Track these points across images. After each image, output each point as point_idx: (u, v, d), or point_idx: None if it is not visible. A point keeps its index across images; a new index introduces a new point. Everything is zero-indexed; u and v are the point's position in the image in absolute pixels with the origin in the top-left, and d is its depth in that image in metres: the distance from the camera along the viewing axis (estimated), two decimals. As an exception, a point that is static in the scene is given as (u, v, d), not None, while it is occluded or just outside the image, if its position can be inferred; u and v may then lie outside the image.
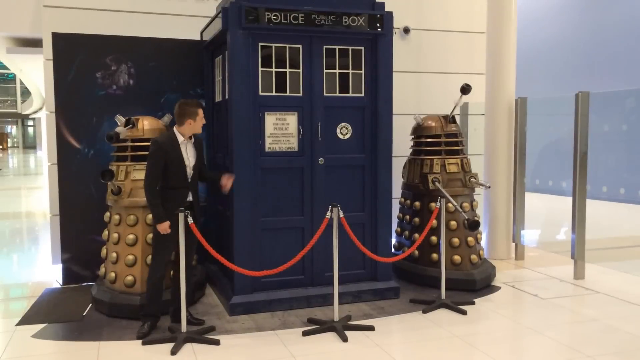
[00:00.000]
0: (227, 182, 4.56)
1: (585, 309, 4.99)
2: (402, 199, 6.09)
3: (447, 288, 5.22)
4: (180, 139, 4.39)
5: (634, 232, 9.01)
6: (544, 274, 6.10)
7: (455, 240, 5.60)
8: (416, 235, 5.65)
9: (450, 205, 5.41)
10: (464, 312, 4.82)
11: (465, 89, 5.64)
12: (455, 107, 5.81)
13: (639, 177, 11.20)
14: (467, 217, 5.32)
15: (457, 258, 5.56)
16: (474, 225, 5.17)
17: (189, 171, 4.43)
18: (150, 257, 4.83)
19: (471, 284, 5.45)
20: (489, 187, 5.82)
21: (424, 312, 4.87)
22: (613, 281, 5.80)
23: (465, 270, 5.54)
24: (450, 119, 5.86)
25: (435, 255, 5.58)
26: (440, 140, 5.79)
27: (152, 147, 4.31)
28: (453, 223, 5.59)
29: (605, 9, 13.76)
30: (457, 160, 5.74)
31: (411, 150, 6.10)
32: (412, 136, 6.08)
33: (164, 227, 4.25)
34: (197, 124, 4.40)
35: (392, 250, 6.09)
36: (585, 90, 5.88)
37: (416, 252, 5.71)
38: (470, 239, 5.62)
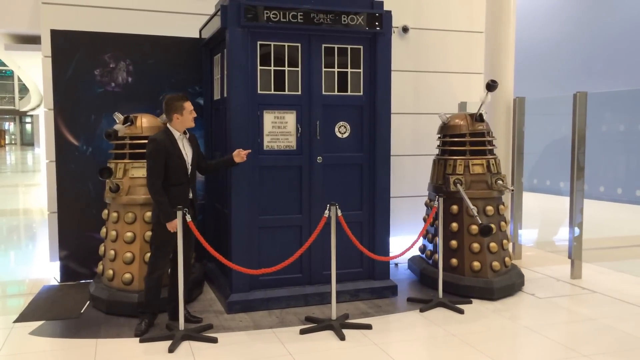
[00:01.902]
0: (240, 154, 4.59)
1: (582, 309, 5.01)
2: (428, 200, 5.88)
3: (465, 295, 5.16)
4: (176, 134, 4.39)
5: (631, 232, 9.03)
6: (541, 274, 6.12)
7: (476, 246, 5.30)
8: (437, 238, 5.46)
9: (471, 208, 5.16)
10: (461, 311, 4.83)
11: (491, 86, 5.29)
12: (481, 105, 5.52)
13: (636, 177, 11.23)
14: (480, 222, 4.98)
15: (476, 264, 5.28)
16: (485, 230, 4.86)
17: (188, 167, 4.44)
18: (148, 254, 4.83)
19: (488, 293, 5.15)
20: (513, 190, 5.49)
21: (421, 310, 4.88)
22: (610, 281, 5.82)
23: (484, 277, 5.24)
24: (477, 118, 5.55)
25: (454, 261, 5.37)
26: (464, 139, 5.52)
27: (151, 145, 4.29)
28: (474, 227, 5.28)
29: (604, 10, 13.78)
30: (482, 161, 5.44)
31: (437, 150, 5.88)
32: (439, 135, 5.83)
33: (174, 225, 4.24)
34: (185, 117, 4.38)
35: (418, 252, 6.02)
36: (583, 90, 5.90)
37: (436, 257, 5.47)
38: (492, 244, 5.30)
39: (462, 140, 5.53)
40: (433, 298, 5.05)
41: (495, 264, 5.30)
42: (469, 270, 5.30)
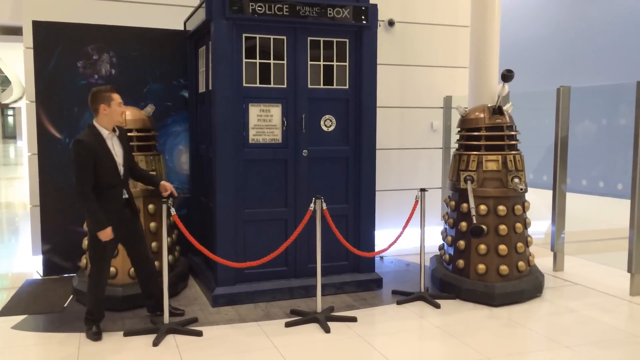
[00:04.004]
0: (166, 189, 4.40)
1: (564, 301, 5.07)
2: (447, 198, 5.57)
3: (467, 299, 4.97)
4: (105, 133, 4.07)
5: (613, 225, 9.15)
6: (524, 266, 6.18)
7: (482, 248, 4.99)
8: (449, 237, 5.37)
9: (482, 207, 4.99)
10: (437, 306, 4.82)
11: (506, 76, 4.94)
12: (499, 97, 5.19)
13: (617, 170, 11.37)
14: (474, 222, 4.78)
15: (481, 267, 4.98)
16: (474, 231, 4.69)
17: (120, 168, 4.15)
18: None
19: (488, 298, 4.87)
20: (521, 190, 5.00)
21: (398, 303, 4.90)
22: (592, 273, 5.89)
23: (488, 281, 4.94)
24: (495, 111, 5.19)
25: (461, 262, 5.13)
26: (479, 134, 5.20)
27: (77, 147, 3.94)
28: (482, 228, 4.91)
29: (589, 5, 13.89)
30: (497, 157, 5.08)
31: (457, 144, 5.57)
32: (458, 129, 5.51)
33: (107, 234, 4.00)
34: (113, 110, 4.05)
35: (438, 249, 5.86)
36: (567, 84, 5.96)
37: (447, 257, 5.36)
38: (502, 247, 4.96)
39: (478, 134, 5.23)
40: (415, 292, 5.08)
41: (503, 268, 4.95)
42: (474, 273, 5.03)
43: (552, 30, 14.65)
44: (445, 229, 5.54)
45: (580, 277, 5.72)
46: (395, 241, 4.97)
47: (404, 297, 5.03)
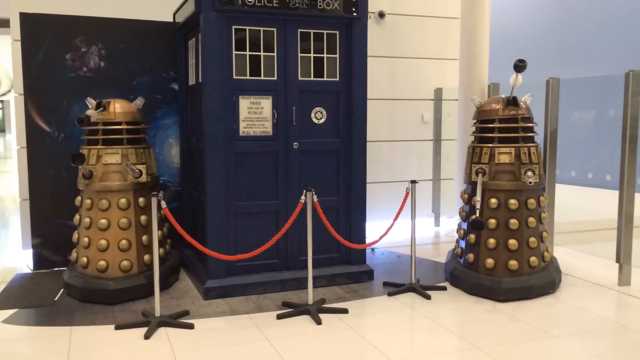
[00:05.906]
0: None
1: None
2: (462, 190, 5.45)
3: (473, 293, 4.93)
4: None
5: (601, 216, 9.22)
6: (514, 257, 6.21)
7: (491, 242, 4.89)
8: (461, 231, 5.33)
9: (493, 200, 4.93)
10: (428, 297, 4.85)
11: (519, 66, 4.80)
12: (513, 88, 5.03)
13: (606, 161, 11.45)
14: (476, 215, 4.68)
15: (490, 262, 4.89)
16: (475, 224, 4.58)
17: None
18: (123, 241, 4.80)
19: (494, 293, 4.78)
20: (530, 183, 4.86)
21: (389, 295, 4.92)
22: (580, 263, 5.95)
23: (496, 276, 4.86)
24: (510, 102, 5.06)
25: (471, 256, 5.06)
26: (492, 126, 5.08)
27: None
28: (491, 221, 4.91)
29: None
30: (510, 150, 4.94)
31: (472, 136, 5.45)
32: (474, 121, 5.38)
33: None
34: None
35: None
36: (556, 76, 5.98)
37: (459, 251, 5.30)
38: (511, 241, 4.85)
39: (491, 126, 5.11)
40: (406, 283, 5.10)
41: (513, 263, 4.84)
42: (482, 267, 4.95)
43: (542, 21, 14.68)
44: (460, 222, 5.48)
45: (569, 268, 5.77)
46: (386, 233, 4.99)
47: (394, 288, 5.06)
